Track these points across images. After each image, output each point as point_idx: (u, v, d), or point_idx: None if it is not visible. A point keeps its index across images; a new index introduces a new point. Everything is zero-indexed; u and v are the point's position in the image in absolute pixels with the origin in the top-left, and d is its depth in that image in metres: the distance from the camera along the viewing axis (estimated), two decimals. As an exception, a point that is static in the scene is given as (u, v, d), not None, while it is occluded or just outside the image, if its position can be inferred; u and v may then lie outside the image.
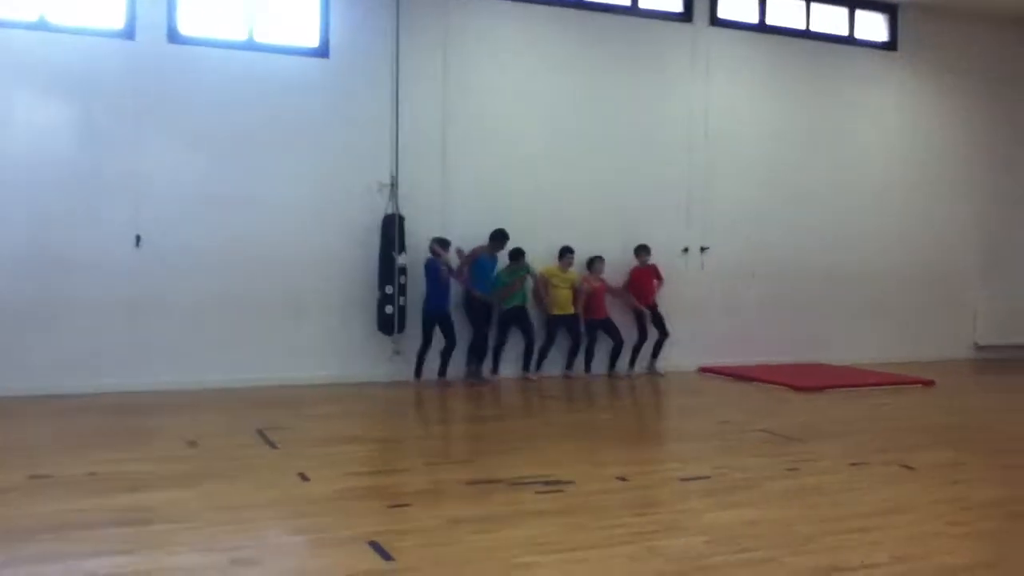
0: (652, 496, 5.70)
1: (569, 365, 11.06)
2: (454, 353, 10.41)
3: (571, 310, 10.95)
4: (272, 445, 6.93)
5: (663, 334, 11.42)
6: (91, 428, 7.62)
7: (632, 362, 11.35)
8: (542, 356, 10.88)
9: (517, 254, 10.64)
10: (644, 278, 11.43)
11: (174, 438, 7.10)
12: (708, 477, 6.10)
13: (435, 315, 10.20)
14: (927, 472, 6.40)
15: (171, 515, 5.07)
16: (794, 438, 7.53)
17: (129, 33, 9.57)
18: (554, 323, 10.93)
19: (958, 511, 5.42)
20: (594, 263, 11.13)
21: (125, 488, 5.60)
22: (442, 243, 10.27)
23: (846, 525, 5.04)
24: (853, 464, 6.59)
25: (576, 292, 10.99)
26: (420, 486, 5.78)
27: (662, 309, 11.50)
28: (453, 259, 10.43)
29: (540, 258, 10.92)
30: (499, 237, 10.52)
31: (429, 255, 10.22)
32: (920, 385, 10.91)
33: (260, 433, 7.31)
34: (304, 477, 5.89)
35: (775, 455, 6.87)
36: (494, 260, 10.63)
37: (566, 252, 10.95)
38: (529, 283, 10.79)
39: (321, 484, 5.75)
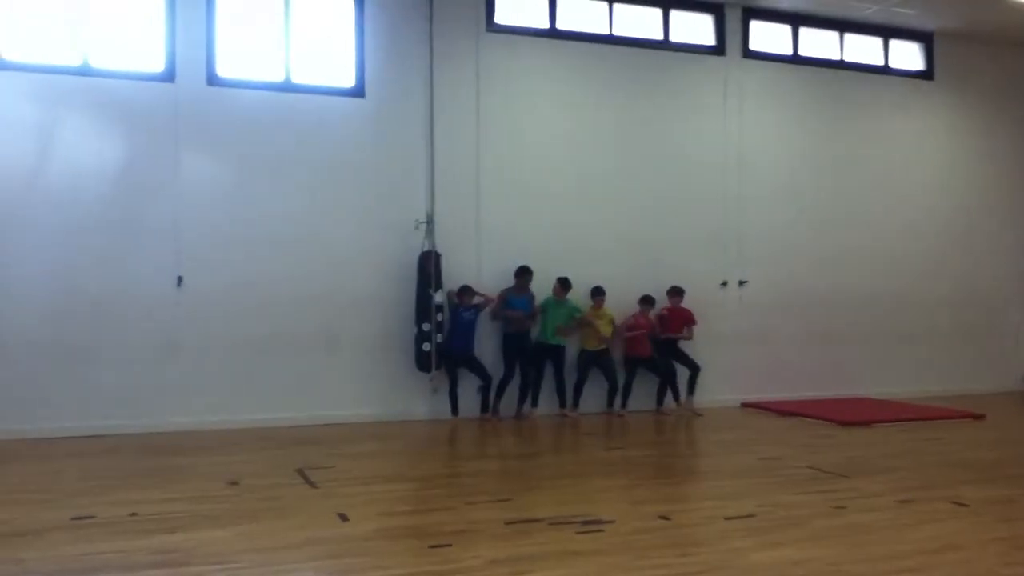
0: (695, 535, 5.58)
1: (610, 403, 10.96)
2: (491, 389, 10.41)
3: (604, 346, 10.87)
4: (312, 484, 6.91)
5: (692, 368, 11.25)
6: (132, 468, 7.64)
7: (661, 399, 11.23)
8: (577, 392, 10.78)
9: (566, 284, 10.62)
10: (672, 319, 11.29)
11: (214, 478, 7.10)
12: (752, 515, 5.98)
13: (456, 356, 10.21)
14: (978, 509, 6.22)
15: (209, 556, 5.05)
16: (840, 474, 7.37)
17: (169, 76, 9.75)
18: (586, 358, 10.83)
19: (1012, 550, 5.25)
20: (646, 302, 11.04)
21: (165, 529, 5.59)
22: (463, 292, 10.27)
23: (895, 565, 4.90)
24: (901, 501, 6.42)
25: (618, 327, 10.91)
26: (459, 525, 5.71)
27: (684, 344, 11.35)
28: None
29: (574, 293, 10.86)
30: (522, 273, 10.49)
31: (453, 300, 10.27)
32: (969, 419, 10.67)
33: (300, 472, 7.29)
34: (343, 517, 5.85)
35: (821, 492, 6.72)
36: (523, 297, 10.58)
37: (597, 293, 10.89)
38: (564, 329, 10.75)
39: (360, 524, 5.71)
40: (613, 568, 4.81)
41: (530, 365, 10.56)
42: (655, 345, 11.25)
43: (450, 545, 5.24)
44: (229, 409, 9.61)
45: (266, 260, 9.91)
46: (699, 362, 11.27)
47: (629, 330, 11.00)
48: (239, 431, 9.31)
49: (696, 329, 11.34)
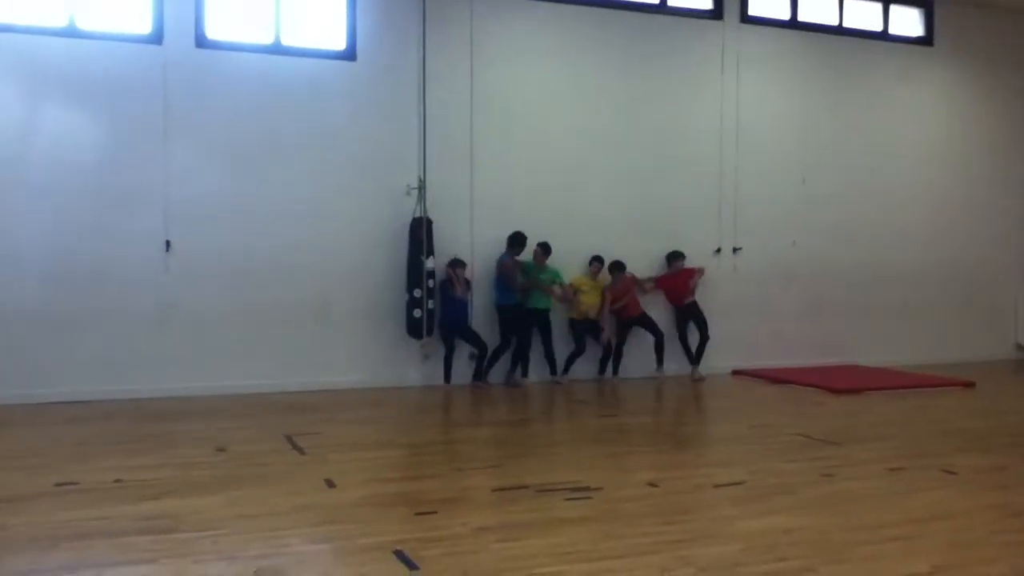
0: (684, 503, 5.55)
1: (602, 370, 10.93)
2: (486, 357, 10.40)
3: (596, 317, 10.83)
4: (300, 451, 6.87)
5: (704, 336, 11.22)
6: (119, 434, 7.60)
7: (660, 361, 11.16)
8: (570, 362, 10.75)
9: (546, 249, 10.54)
10: (677, 283, 11.25)
11: (202, 444, 7.06)
12: (742, 483, 5.96)
13: (450, 327, 10.18)
14: (969, 477, 6.21)
15: (196, 523, 5.01)
16: (830, 442, 7.35)
17: (157, 38, 9.59)
18: (580, 327, 10.79)
19: (1003, 518, 5.24)
20: (615, 270, 10.96)
21: (151, 495, 5.56)
22: (455, 264, 10.21)
23: (885, 533, 4.88)
24: (891, 469, 6.41)
25: (604, 295, 10.86)
26: (447, 493, 5.68)
27: (704, 308, 11.30)
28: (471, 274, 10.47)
29: (568, 260, 10.84)
30: (516, 241, 10.42)
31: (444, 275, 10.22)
32: (960, 387, 10.67)
33: (288, 439, 7.26)
34: (331, 484, 5.82)
35: (811, 459, 6.71)
36: (519, 263, 10.52)
37: (594, 261, 10.86)
38: (556, 291, 10.65)
39: (348, 491, 5.68)
40: (601, 536, 4.78)
41: (521, 332, 10.50)
42: (677, 312, 11.22)
43: (436, 512, 5.22)
44: (219, 376, 9.56)
45: (256, 225, 9.81)
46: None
47: (612, 305, 10.92)
48: (229, 398, 9.27)
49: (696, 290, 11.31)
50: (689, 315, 11.27)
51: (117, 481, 5.90)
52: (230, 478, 6.01)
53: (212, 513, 5.21)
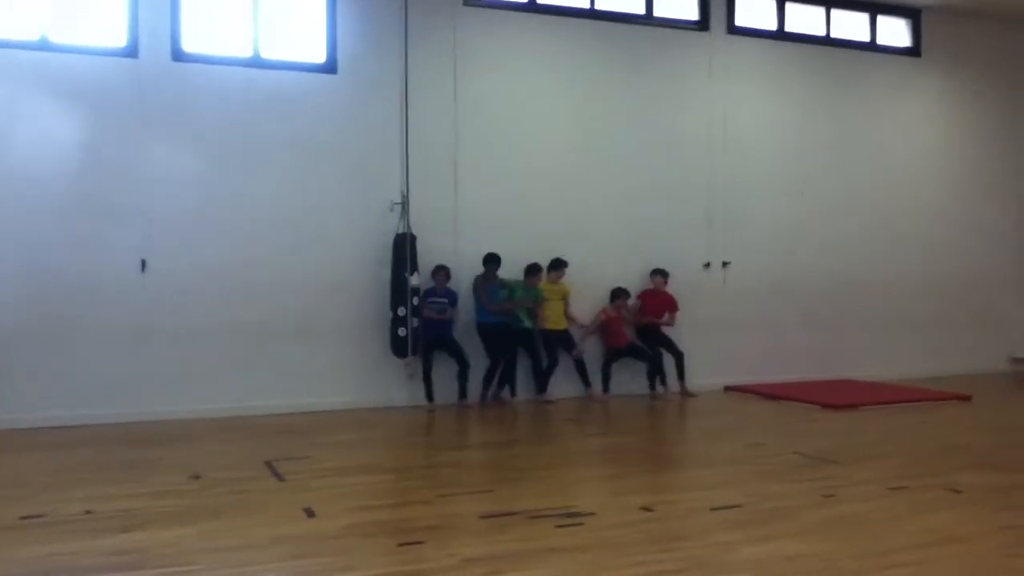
0: (680, 528, 5.31)
1: (586, 383, 10.65)
2: (469, 375, 10.13)
3: (563, 325, 10.55)
4: (279, 477, 6.60)
5: (676, 355, 10.94)
6: (92, 461, 7.30)
7: (652, 383, 10.90)
8: (547, 375, 10.44)
9: (532, 270, 10.32)
10: (653, 303, 11.00)
11: (177, 471, 6.77)
12: (740, 506, 5.72)
13: (433, 340, 9.90)
14: (975, 496, 5.99)
15: (166, 556, 4.74)
16: (829, 460, 7.13)
17: (132, 51, 9.35)
18: (548, 339, 10.49)
19: (1017, 541, 5.01)
20: (617, 296, 10.75)
21: (120, 528, 5.27)
22: (438, 271, 9.99)
23: (893, 559, 4.65)
24: (893, 488, 6.18)
25: (567, 301, 10.59)
26: (433, 520, 5.42)
27: (669, 330, 11.04)
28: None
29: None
30: (490, 261, 10.18)
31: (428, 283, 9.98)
32: (956, 400, 10.48)
33: (268, 464, 6.98)
34: (310, 513, 5.54)
35: (810, 480, 6.48)
36: (496, 284, 10.25)
37: (557, 265, 10.53)
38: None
39: (328, 520, 5.40)
40: (593, 566, 4.54)
41: (507, 351, 10.24)
42: (637, 331, 10.97)
43: (422, 542, 4.95)
44: (199, 399, 9.26)
45: (236, 243, 9.55)
46: (681, 347, 10.96)
47: (603, 329, 10.70)
48: (209, 421, 8.98)
49: (679, 312, 11.06)
50: (651, 337, 10.98)
51: (87, 513, 5.61)
52: (205, 508, 5.73)
53: (184, 546, 4.93)
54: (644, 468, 7.13)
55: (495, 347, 10.15)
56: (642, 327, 10.98)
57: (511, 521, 5.36)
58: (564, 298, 10.60)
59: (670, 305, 11.00)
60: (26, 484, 6.44)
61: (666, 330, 11.02)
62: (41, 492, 6.16)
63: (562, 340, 10.56)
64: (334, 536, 5.11)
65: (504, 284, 10.27)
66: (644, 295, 11.05)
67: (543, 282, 10.50)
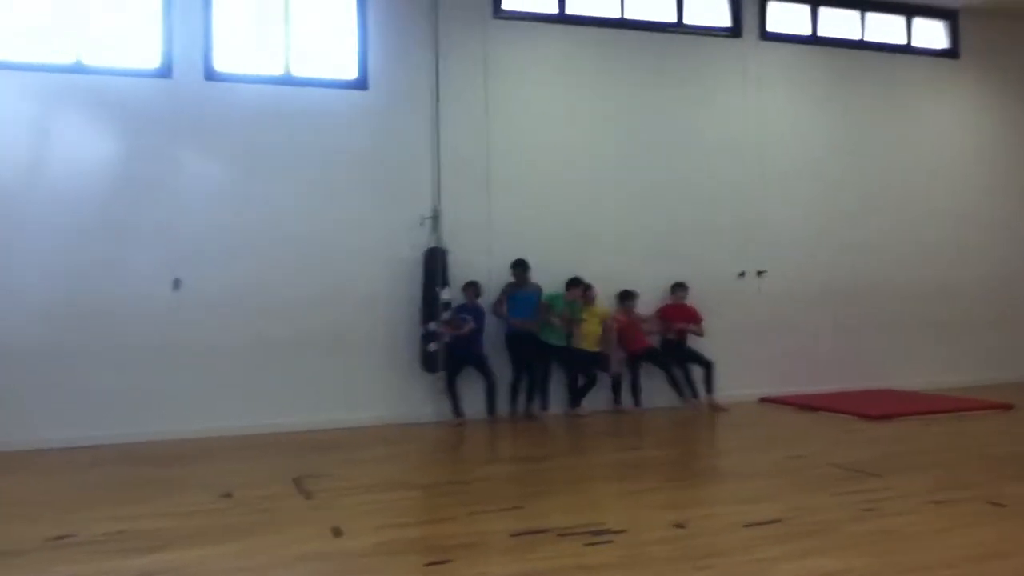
0: (714, 545, 5.18)
1: (616, 399, 10.55)
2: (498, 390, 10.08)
3: (596, 347, 10.39)
4: (307, 495, 6.56)
5: (704, 365, 10.79)
6: (123, 480, 7.32)
7: (681, 392, 10.75)
8: (582, 393, 10.37)
9: (574, 283, 10.24)
10: (675, 317, 10.85)
11: (208, 489, 6.76)
12: (778, 521, 5.58)
13: (461, 355, 9.82)
14: (1019, 509, 5.80)
15: (195, 576, 4.73)
16: (868, 473, 6.96)
17: (166, 71, 9.44)
18: (581, 360, 10.36)
19: (1062, 556, 4.84)
20: (625, 298, 10.63)
21: (149, 547, 5.26)
22: (468, 287, 9.92)
23: (940, 574, 4.50)
24: (936, 502, 6.00)
25: (605, 328, 10.47)
26: (462, 538, 5.34)
27: (693, 343, 10.90)
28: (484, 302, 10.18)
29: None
30: (516, 266, 10.11)
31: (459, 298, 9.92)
32: (998, 410, 10.22)
33: (295, 482, 6.95)
34: (338, 531, 5.50)
35: (849, 493, 6.31)
36: (526, 291, 10.18)
37: (575, 284, 10.37)
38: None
39: (355, 538, 5.35)
40: (625, 585, 4.44)
41: (537, 364, 10.16)
42: (663, 345, 10.84)
43: (450, 560, 4.88)
44: (228, 416, 9.28)
45: (267, 260, 9.58)
46: (711, 357, 10.80)
47: (624, 331, 10.58)
48: (239, 438, 8.99)
49: (713, 321, 10.90)
50: (676, 352, 10.82)
51: (117, 532, 5.61)
52: (234, 526, 5.70)
53: (212, 566, 4.91)
54: (677, 482, 7.00)
55: (518, 358, 10.07)
56: (667, 342, 10.83)
57: (541, 539, 5.27)
58: (603, 320, 10.47)
59: (692, 317, 10.84)
60: (54, 504, 6.45)
61: (692, 341, 10.86)
62: (69, 512, 6.16)
63: (596, 362, 10.43)
64: (361, 555, 5.06)
65: (532, 291, 10.21)
66: (665, 310, 10.90)
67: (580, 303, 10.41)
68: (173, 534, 5.53)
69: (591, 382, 10.38)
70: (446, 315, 9.79)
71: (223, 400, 9.33)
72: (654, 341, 10.82)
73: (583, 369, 10.38)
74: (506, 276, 10.22)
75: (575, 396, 10.33)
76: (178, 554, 5.13)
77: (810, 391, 11.27)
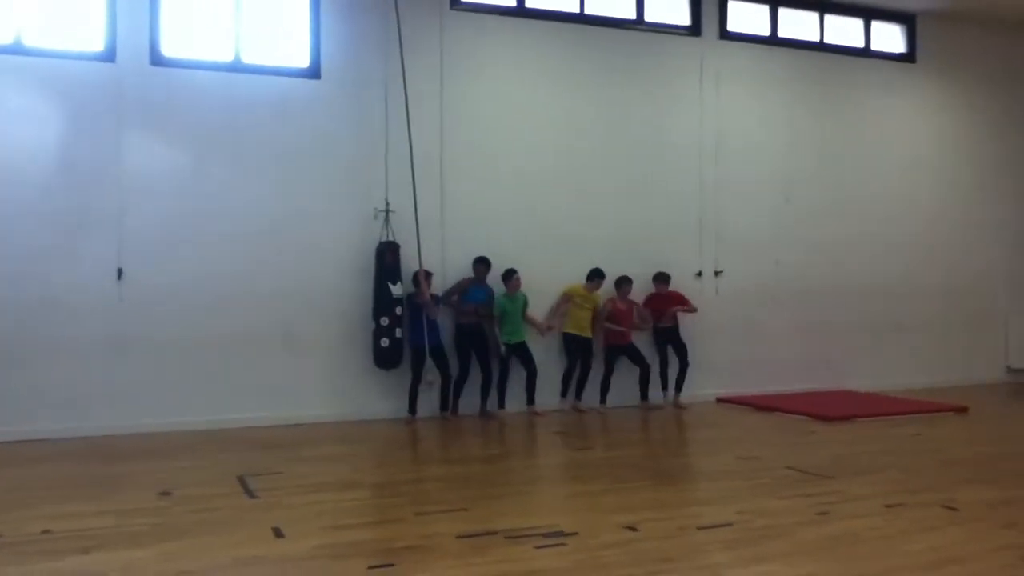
0: (666, 549, 5.04)
1: (579, 396, 10.43)
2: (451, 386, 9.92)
3: (588, 334, 10.36)
4: (251, 494, 6.33)
5: (683, 363, 10.76)
6: (59, 477, 7.04)
7: (645, 392, 10.65)
8: (570, 382, 10.34)
9: (509, 274, 10.10)
10: (662, 305, 10.79)
11: (147, 487, 6.51)
12: (730, 524, 5.47)
13: (422, 349, 9.56)
14: (973, 513, 5.75)
15: (122, 581, 4.50)
16: (822, 475, 6.88)
17: (110, 55, 9.11)
18: (570, 344, 10.31)
19: (1018, 561, 4.76)
20: (622, 284, 10.54)
21: (79, 549, 5.01)
22: (423, 275, 9.63)
23: (891, 582, 4.42)
24: (890, 505, 5.94)
25: (597, 312, 10.40)
26: (407, 540, 5.16)
27: (684, 336, 10.86)
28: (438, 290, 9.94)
29: (543, 284, 10.37)
30: (479, 263, 9.97)
31: (411, 289, 9.66)
32: (953, 412, 10.25)
33: (240, 480, 6.72)
34: (279, 533, 5.29)
35: (804, 496, 6.23)
36: (482, 289, 10.03)
37: (595, 275, 10.37)
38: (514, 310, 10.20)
39: (296, 540, 5.15)
40: (574, 590, 4.29)
41: (490, 361, 10.02)
42: (656, 333, 10.76)
43: (393, 564, 4.70)
44: (174, 411, 8.99)
45: (216, 252, 9.29)
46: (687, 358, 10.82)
47: (608, 320, 10.46)
48: (185, 434, 8.69)
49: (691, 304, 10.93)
50: (668, 339, 10.79)
51: (45, 532, 5.35)
52: (170, 527, 5.47)
53: (143, 569, 4.69)
54: (632, 483, 6.86)
55: (464, 353, 9.92)
56: (660, 330, 10.76)
57: (489, 541, 5.10)
58: (594, 308, 10.42)
59: (678, 301, 10.78)
60: (-16, 502, 6.17)
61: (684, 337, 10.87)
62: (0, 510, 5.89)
63: (586, 348, 10.37)
64: (301, 558, 4.86)
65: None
66: (651, 300, 10.81)
67: (578, 287, 10.35)
68: (104, 535, 5.29)
69: (585, 371, 10.38)
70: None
71: (170, 395, 9.03)
72: (647, 330, 10.80)
73: (571, 356, 10.33)
74: (459, 271, 10.04)
75: (570, 385, 10.37)
76: (109, 555, 4.91)
77: (768, 391, 11.22)
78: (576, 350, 10.38)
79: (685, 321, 10.94)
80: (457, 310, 9.94)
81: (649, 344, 10.84)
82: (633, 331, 10.66)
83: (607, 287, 10.60)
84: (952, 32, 12.85)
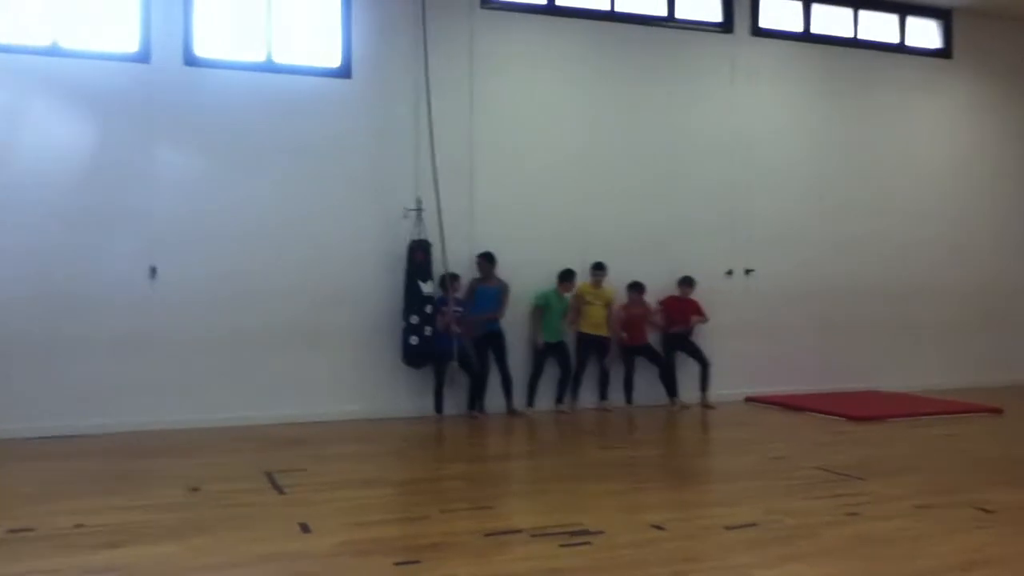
0: (693, 549, 5.03)
1: (603, 395, 10.41)
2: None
3: (604, 332, 10.31)
4: (279, 490, 6.39)
5: (702, 363, 10.69)
6: (90, 473, 7.12)
7: (670, 395, 10.61)
8: (576, 382, 10.25)
9: (568, 275, 10.14)
10: (679, 310, 10.72)
11: (176, 483, 6.58)
12: (757, 524, 5.43)
13: (447, 351, 9.58)
14: (1006, 515, 5.67)
15: (153, 574, 4.55)
16: (852, 476, 6.82)
17: (144, 56, 9.21)
18: (584, 343, 10.27)
19: (1049, 565, 4.70)
20: (632, 289, 10.48)
21: (109, 543, 5.07)
22: (450, 278, 9.67)
23: (919, 584, 4.37)
24: (920, 507, 5.87)
25: (612, 316, 10.36)
26: (433, 538, 5.18)
27: (696, 338, 10.78)
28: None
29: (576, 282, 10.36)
30: (482, 259, 9.94)
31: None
32: (986, 413, 10.11)
33: (268, 476, 6.78)
34: (305, 528, 5.33)
35: (832, 496, 6.17)
36: (491, 288, 9.99)
37: (596, 268, 10.33)
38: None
39: (323, 536, 5.18)
40: (598, 589, 4.29)
41: (507, 362, 10.00)
42: (665, 339, 10.70)
43: (419, 561, 4.72)
44: (204, 408, 9.06)
45: (246, 250, 9.37)
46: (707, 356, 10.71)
47: (621, 326, 10.42)
48: (214, 430, 8.77)
49: (707, 314, 10.78)
50: (679, 345, 10.72)
51: (77, 526, 5.42)
52: (199, 522, 5.52)
53: (172, 563, 4.74)
54: (658, 483, 6.85)
55: (483, 355, 9.93)
56: (671, 336, 10.69)
57: (514, 539, 5.11)
58: (608, 304, 10.36)
59: (694, 309, 10.70)
60: (17, 496, 6.25)
61: (695, 340, 10.75)
62: (32, 504, 5.98)
63: (600, 347, 10.33)
64: (327, 554, 4.89)
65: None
66: (667, 302, 10.76)
67: (585, 285, 10.29)
68: (134, 529, 5.35)
69: (581, 369, 10.29)
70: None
71: (199, 392, 9.11)
72: (657, 335, 10.70)
73: (583, 355, 10.26)
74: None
75: (575, 386, 10.26)
76: (138, 550, 4.96)
77: (796, 391, 11.12)
78: (590, 349, 10.31)
79: (712, 319, 10.85)
80: (467, 323, 9.85)
81: (659, 346, 10.77)
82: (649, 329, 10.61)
83: (619, 291, 10.53)
84: (989, 27, 12.66)
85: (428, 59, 9.82)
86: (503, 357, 9.97)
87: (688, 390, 10.63)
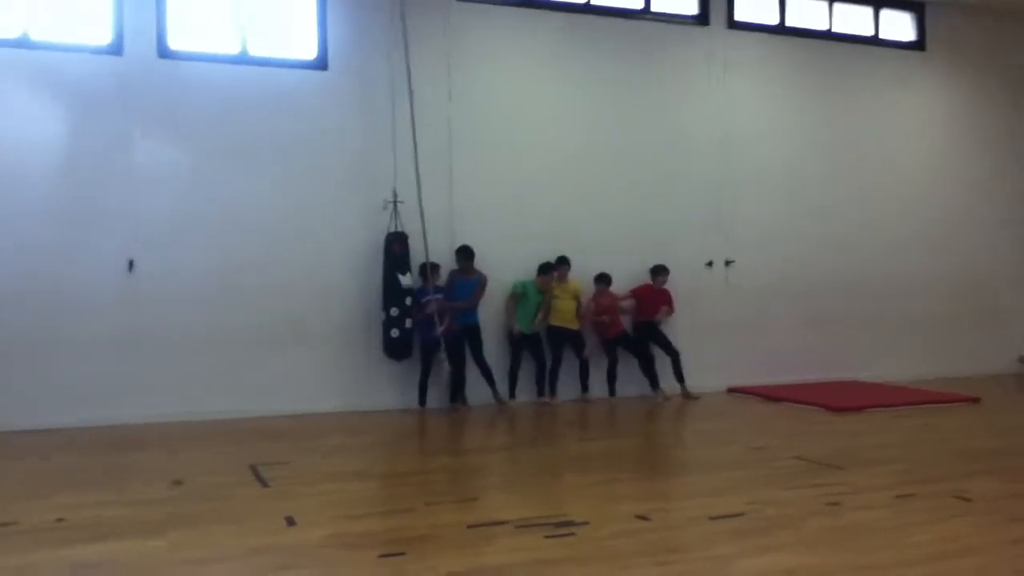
0: (677, 539, 5.06)
1: (584, 387, 10.43)
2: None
3: (575, 325, 10.32)
4: (264, 483, 6.36)
5: (672, 355, 10.69)
6: (73, 467, 7.08)
7: (652, 386, 10.64)
8: (554, 375, 10.25)
9: (546, 268, 10.15)
10: (651, 299, 10.74)
11: (159, 477, 6.53)
12: (740, 515, 5.46)
13: (432, 342, 9.56)
14: (985, 505, 5.73)
15: (134, 569, 4.55)
16: (833, 466, 6.87)
17: (117, 48, 9.14)
18: (556, 336, 10.26)
19: (1029, 553, 4.77)
20: (599, 281, 10.50)
21: (92, 537, 5.04)
22: (429, 268, 9.61)
23: (900, 572, 4.41)
24: (901, 496, 5.92)
25: (582, 309, 10.37)
26: (418, 530, 5.18)
27: (665, 328, 10.80)
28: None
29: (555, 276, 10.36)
30: (459, 254, 9.92)
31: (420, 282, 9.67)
32: (965, 403, 10.22)
33: (253, 470, 6.74)
34: (291, 521, 5.31)
35: (813, 486, 6.22)
36: (469, 281, 9.96)
37: (560, 262, 10.28)
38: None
39: (308, 529, 5.17)
40: (585, 580, 4.30)
41: (483, 355, 9.98)
42: (634, 328, 10.73)
43: (404, 554, 4.72)
44: (187, 402, 9.02)
45: (225, 244, 9.32)
46: (679, 347, 10.71)
47: (595, 315, 10.45)
48: (197, 425, 8.73)
49: (681, 311, 10.80)
50: (649, 335, 10.73)
51: (59, 520, 5.38)
52: (183, 516, 5.49)
53: (156, 558, 4.71)
54: (642, 474, 6.88)
55: (458, 348, 9.86)
56: (639, 324, 10.72)
57: (498, 531, 5.12)
58: (576, 297, 10.36)
59: (665, 299, 10.73)
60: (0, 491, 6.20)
61: (664, 331, 10.76)
62: (15, 499, 5.93)
63: (572, 340, 10.33)
64: (313, 546, 4.88)
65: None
66: (639, 291, 10.78)
67: (554, 282, 10.27)
68: (119, 523, 5.32)
69: (556, 363, 10.26)
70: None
71: (182, 386, 9.07)
72: (627, 323, 10.70)
73: (555, 348, 10.23)
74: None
75: (552, 379, 10.22)
76: (122, 544, 4.93)
77: (778, 382, 11.20)
78: (561, 342, 10.30)
79: (691, 312, 10.90)
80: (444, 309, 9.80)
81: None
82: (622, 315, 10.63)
83: (586, 284, 10.55)
84: (962, 20, 12.77)
85: (404, 51, 9.71)
86: (479, 350, 9.94)
87: (667, 382, 10.65)
